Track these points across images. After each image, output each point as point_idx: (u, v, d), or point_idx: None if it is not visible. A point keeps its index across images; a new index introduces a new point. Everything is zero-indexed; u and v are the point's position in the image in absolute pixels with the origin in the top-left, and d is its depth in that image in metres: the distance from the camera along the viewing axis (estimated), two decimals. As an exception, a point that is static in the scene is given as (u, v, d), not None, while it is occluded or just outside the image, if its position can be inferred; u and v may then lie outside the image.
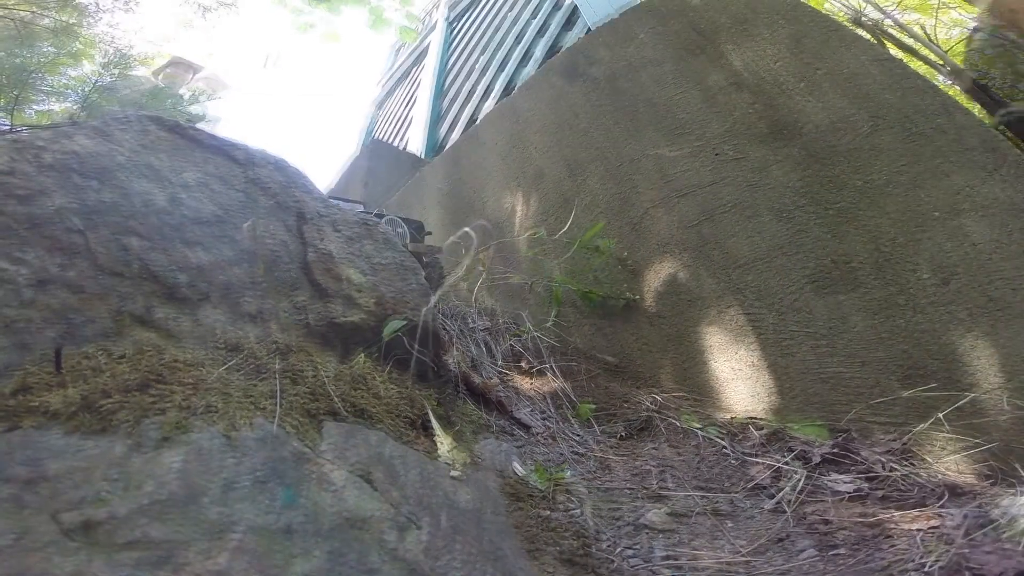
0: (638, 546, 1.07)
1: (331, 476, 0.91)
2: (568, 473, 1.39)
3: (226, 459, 0.84)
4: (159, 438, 0.83)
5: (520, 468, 1.38)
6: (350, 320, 1.22)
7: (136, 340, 1.02)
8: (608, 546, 1.07)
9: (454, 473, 1.12)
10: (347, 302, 1.24)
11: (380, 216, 2.23)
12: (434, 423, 1.22)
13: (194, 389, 0.95)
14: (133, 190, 1.07)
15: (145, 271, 1.03)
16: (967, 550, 0.77)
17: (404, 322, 1.28)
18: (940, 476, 1.22)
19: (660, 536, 1.11)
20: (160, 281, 1.04)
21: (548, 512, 1.18)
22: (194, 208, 1.13)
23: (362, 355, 1.21)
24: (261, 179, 1.27)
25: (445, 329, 1.86)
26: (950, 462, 1.29)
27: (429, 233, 2.48)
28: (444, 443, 1.20)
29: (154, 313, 1.03)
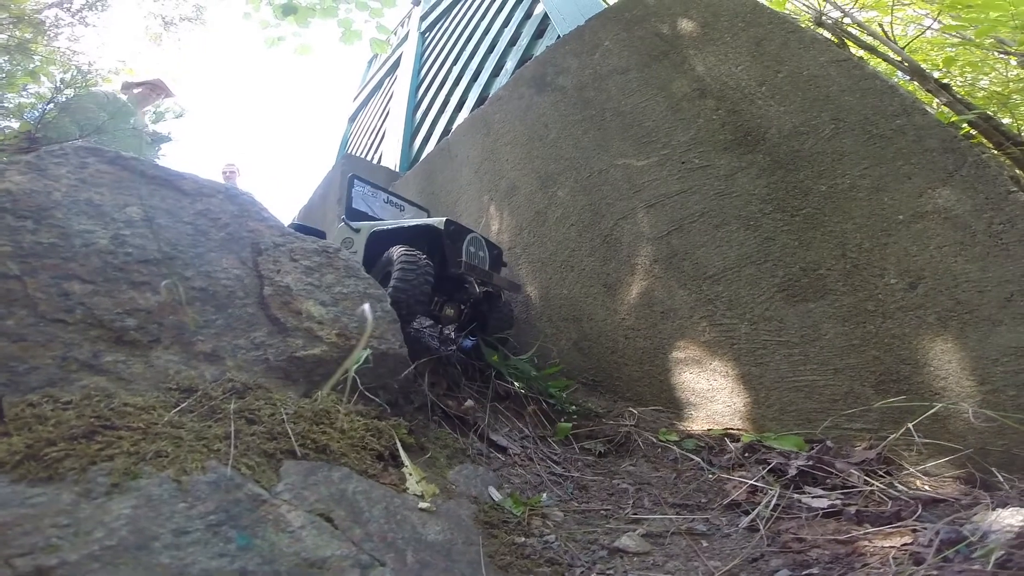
0: (611, 571, 1.05)
1: (288, 517, 0.89)
2: (544, 497, 1.37)
3: (177, 504, 0.83)
4: (109, 484, 0.82)
5: (496, 494, 1.35)
6: (312, 354, 1.18)
7: (84, 386, 0.98)
8: (582, 572, 1.05)
9: (423, 505, 1.09)
10: (308, 335, 1.20)
11: (466, 232, 1.94)
12: (402, 454, 1.19)
13: (144, 434, 0.93)
14: (72, 230, 1.02)
15: (90, 316, 0.98)
16: (935, 572, 0.76)
17: (369, 351, 1.24)
18: (916, 487, 1.22)
19: (635, 559, 1.09)
20: (106, 327, 0.99)
21: (523, 539, 1.16)
22: (139, 246, 1.08)
23: (325, 389, 1.18)
24: (211, 210, 1.23)
25: (416, 354, 1.83)
26: (927, 469, 1.29)
27: (505, 264, 2.15)
28: (413, 474, 1.17)
29: (102, 358, 0.99)
